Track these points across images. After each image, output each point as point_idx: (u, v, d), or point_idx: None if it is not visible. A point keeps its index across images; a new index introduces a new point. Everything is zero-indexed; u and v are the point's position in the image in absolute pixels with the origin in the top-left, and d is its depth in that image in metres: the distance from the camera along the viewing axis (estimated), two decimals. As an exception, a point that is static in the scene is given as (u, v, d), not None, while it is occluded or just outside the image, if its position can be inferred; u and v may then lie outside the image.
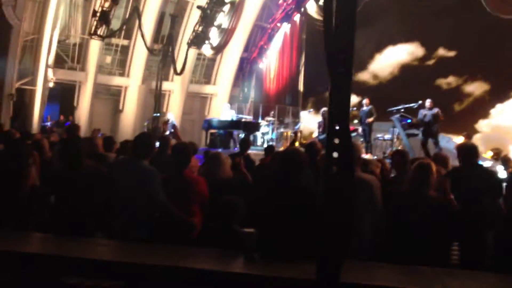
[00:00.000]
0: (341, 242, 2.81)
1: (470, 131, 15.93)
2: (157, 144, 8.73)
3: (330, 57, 2.92)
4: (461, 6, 16.13)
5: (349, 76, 2.90)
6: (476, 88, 17.60)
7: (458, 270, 3.81)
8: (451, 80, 17.79)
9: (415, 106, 13.86)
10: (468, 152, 5.03)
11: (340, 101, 2.90)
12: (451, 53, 17.82)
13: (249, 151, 12.85)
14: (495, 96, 16.90)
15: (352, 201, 2.85)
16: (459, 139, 15.75)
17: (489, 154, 14.84)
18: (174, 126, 18.92)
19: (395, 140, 14.75)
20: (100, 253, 3.77)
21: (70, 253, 3.57)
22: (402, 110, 13.96)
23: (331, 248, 2.80)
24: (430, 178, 4.26)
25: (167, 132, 18.64)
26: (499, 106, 16.79)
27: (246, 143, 8.63)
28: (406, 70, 18.78)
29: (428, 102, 13.48)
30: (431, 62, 18.37)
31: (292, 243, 3.69)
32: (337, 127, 2.86)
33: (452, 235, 4.27)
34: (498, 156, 14.15)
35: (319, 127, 15.54)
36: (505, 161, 10.29)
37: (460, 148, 5.23)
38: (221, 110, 20.46)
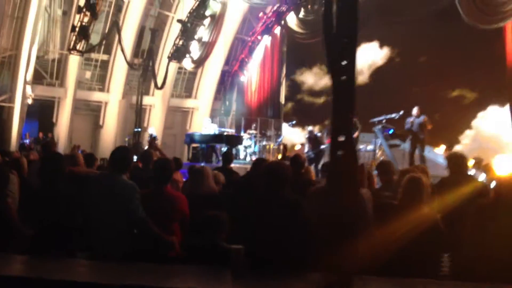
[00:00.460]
0: (349, 260, 2.71)
1: (451, 142, 16.05)
2: (136, 158, 8.63)
3: (331, 64, 2.79)
4: (443, 15, 16.25)
5: (352, 84, 2.76)
6: (458, 97, 17.74)
7: (448, 281, 3.76)
8: (433, 88, 17.90)
9: (397, 117, 13.90)
10: (457, 162, 4.97)
11: (343, 111, 2.77)
12: (433, 61, 17.92)
13: (232, 165, 12.80)
14: (476, 105, 17.03)
15: (359, 215, 2.75)
16: (441, 149, 15.88)
17: (471, 163, 14.90)
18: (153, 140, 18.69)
19: (377, 151, 14.77)
20: (81, 275, 3.63)
21: (50, 275, 3.42)
22: (384, 120, 14.00)
23: (340, 266, 2.70)
24: (422, 192, 4.19)
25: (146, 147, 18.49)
26: (480, 115, 16.94)
27: (228, 157, 8.53)
28: (384, 78, 18.83)
29: (415, 110, 13.33)
30: (412, 70, 18.45)
31: (281, 257, 3.61)
32: (341, 139, 2.74)
33: (441, 248, 4.21)
34: (480, 164, 14.21)
35: (308, 142, 15.55)
36: (487, 170, 10.32)
37: (450, 157, 5.16)
38: (202, 124, 20.36)
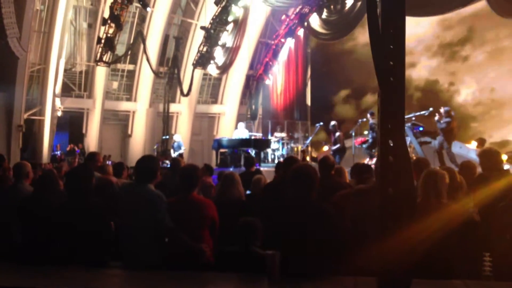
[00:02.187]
0: (406, 265, 2.62)
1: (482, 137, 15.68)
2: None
3: (378, 65, 2.67)
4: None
5: (401, 86, 2.64)
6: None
7: (491, 282, 3.63)
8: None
9: (426, 114, 13.65)
10: (491, 158, 4.80)
11: (392, 114, 2.64)
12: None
13: (261, 168, 12.75)
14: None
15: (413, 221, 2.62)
16: (472, 145, 15.54)
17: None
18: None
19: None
20: (115, 285, 3.63)
21: (85, 286, 3.43)
22: (413, 118, 13.76)
23: (398, 271, 2.61)
24: (438, 185, 4.10)
25: (173, 154, 18.59)
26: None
27: (250, 160, 8.45)
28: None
29: (442, 110, 12.97)
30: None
31: (313, 262, 3.54)
32: (391, 144, 2.61)
33: (478, 245, 4.09)
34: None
35: (332, 136, 15.42)
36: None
37: (483, 154, 4.99)
38: (233, 129, 20.33)
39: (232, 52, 21.72)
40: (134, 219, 4.26)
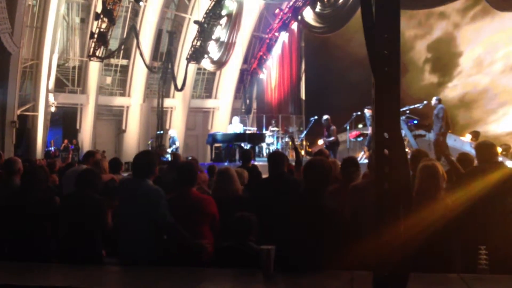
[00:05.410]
0: (403, 259, 2.60)
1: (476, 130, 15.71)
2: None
3: (372, 54, 2.60)
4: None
5: (397, 76, 2.58)
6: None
7: (487, 275, 3.64)
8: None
9: (421, 107, 13.65)
10: (486, 150, 4.81)
11: (387, 106, 2.58)
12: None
13: (256, 163, 12.73)
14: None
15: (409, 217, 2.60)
16: (467, 138, 15.57)
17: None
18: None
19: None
20: (112, 281, 3.61)
21: (80, 284, 3.40)
22: (407, 111, 13.77)
23: (395, 266, 2.59)
24: (436, 179, 4.10)
25: (169, 149, 18.53)
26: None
27: (247, 155, 8.33)
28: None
29: (433, 100, 13.04)
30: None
31: (312, 258, 3.53)
32: (387, 136, 2.54)
33: (473, 239, 4.10)
34: (508, 151, 13.90)
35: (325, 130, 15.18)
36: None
37: (478, 147, 5.00)
38: (228, 123, 20.28)
39: (228, 49, 21.67)
40: (133, 215, 4.22)
